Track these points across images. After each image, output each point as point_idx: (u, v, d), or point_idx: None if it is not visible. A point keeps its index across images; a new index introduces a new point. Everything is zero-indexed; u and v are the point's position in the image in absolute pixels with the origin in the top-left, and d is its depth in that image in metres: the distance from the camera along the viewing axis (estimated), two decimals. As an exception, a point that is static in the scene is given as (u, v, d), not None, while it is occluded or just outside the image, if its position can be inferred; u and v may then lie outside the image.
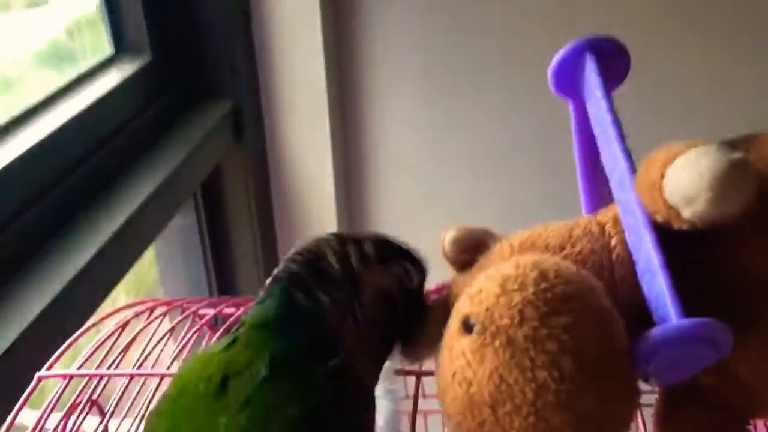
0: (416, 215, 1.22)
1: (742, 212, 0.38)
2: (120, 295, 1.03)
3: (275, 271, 0.46)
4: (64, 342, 0.67)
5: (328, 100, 1.12)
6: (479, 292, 0.39)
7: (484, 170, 1.19)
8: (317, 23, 1.09)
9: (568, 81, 0.51)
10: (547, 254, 0.44)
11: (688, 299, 0.38)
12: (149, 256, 1.14)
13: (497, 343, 0.37)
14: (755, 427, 0.49)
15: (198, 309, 0.78)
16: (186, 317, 0.76)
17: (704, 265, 0.41)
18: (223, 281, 1.20)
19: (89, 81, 0.96)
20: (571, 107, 0.53)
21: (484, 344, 0.38)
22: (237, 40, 1.11)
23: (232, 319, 0.74)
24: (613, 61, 0.50)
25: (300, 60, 1.12)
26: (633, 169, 0.43)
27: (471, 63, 1.15)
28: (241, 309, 0.76)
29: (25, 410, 0.61)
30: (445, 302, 0.47)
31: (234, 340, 0.43)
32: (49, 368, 0.65)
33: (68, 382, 0.64)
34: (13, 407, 0.58)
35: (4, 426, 0.58)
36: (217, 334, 0.73)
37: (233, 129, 1.13)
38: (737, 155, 0.37)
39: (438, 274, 0.52)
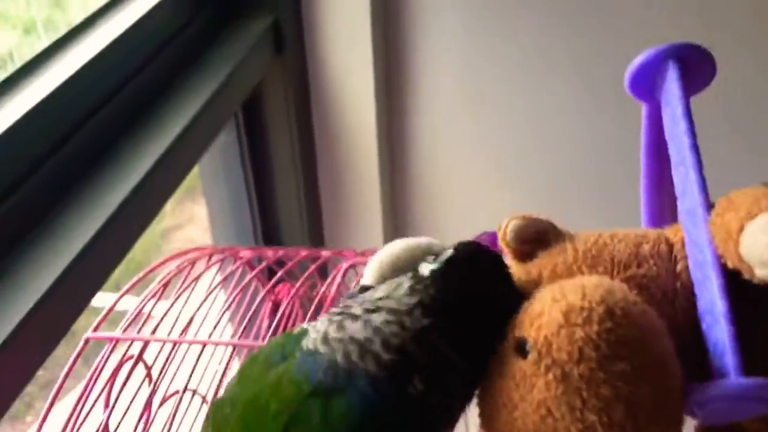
0: (459, 133, 1.20)
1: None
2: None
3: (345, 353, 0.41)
4: (111, 269, 0.70)
5: (371, 13, 1.09)
6: (540, 315, 0.39)
7: (526, 89, 1.16)
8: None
9: (646, 84, 0.49)
10: (612, 271, 0.43)
11: (744, 347, 0.38)
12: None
13: (551, 376, 0.37)
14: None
15: (248, 259, 0.80)
16: (237, 267, 0.78)
17: (765, 316, 0.41)
18: (264, 196, 1.20)
19: (127, 1, 0.93)
20: (644, 110, 0.51)
21: (537, 374, 0.38)
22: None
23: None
24: (697, 69, 0.48)
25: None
26: (708, 204, 0.42)
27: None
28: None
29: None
30: None
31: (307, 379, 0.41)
32: (95, 329, 0.67)
33: (114, 345, 0.66)
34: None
35: (54, 389, 0.60)
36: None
37: (274, 45, 1.10)
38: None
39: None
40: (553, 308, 0.38)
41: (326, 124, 1.19)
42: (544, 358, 0.37)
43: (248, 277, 0.78)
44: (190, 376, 0.69)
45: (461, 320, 0.40)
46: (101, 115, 0.81)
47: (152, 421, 0.71)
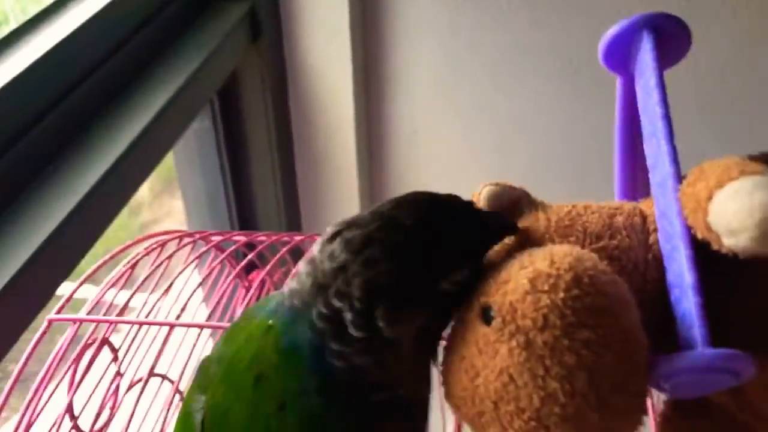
0: (437, 121, 1.19)
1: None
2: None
3: (307, 284, 0.41)
4: (81, 254, 0.68)
5: (349, 1, 1.08)
6: (506, 282, 0.38)
7: (506, 82, 1.16)
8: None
9: (620, 55, 0.49)
10: (584, 242, 0.42)
11: (712, 318, 0.37)
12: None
13: (514, 342, 0.36)
14: None
15: (219, 242, 0.79)
16: (207, 249, 0.78)
17: (736, 289, 0.40)
18: (240, 184, 1.19)
19: None
20: (618, 82, 0.50)
21: (500, 340, 0.37)
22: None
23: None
24: (672, 41, 0.48)
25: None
26: (678, 175, 0.41)
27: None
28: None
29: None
30: None
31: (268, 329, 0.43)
32: (59, 311, 0.66)
33: (78, 327, 0.65)
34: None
35: (16, 370, 0.59)
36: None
37: (250, 32, 1.10)
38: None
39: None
40: (520, 275, 0.37)
41: (303, 112, 1.18)
42: (509, 325, 0.36)
43: (219, 258, 0.77)
44: (157, 359, 0.68)
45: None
46: (73, 98, 0.79)
47: (119, 405, 0.70)
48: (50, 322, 0.65)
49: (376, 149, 1.22)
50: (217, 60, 1.00)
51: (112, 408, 0.69)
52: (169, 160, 1.19)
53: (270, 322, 0.43)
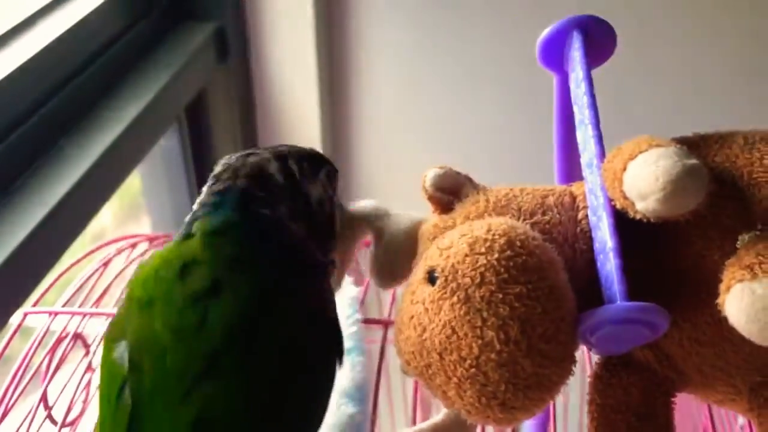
0: (402, 140, 1.24)
1: (691, 213, 0.41)
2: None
3: (216, 187, 0.48)
4: (47, 271, 0.70)
5: (315, 23, 1.12)
6: (449, 247, 0.42)
7: (466, 96, 1.20)
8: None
9: (555, 55, 0.53)
10: (519, 219, 0.47)
11: (634, 281, 0.42)
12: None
13: (455, 298, 0.41)
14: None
15: None
16: None
17: (653, 253, 0.45)
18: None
19: (70, 1, 0.94)
20: (555, 81, 0.55)
21: (443, 297, 0.41)
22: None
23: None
24: (601, 41, 0.53)
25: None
26: (602, 154, 0.46)
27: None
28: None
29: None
30: (415, 235, 0.51)
31: (187, 236, 0.45)
32: (34, 305, 0.68)
33: (53, 319, 0.67)
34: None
35: None
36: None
37: (217, 52, 1.12)
38: (693, 161, 0.40)
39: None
40: (460, 240, 0.42)
41: (270, 131, 1.21)
42: (450, 283, 0.41)
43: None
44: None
45: None
46: (39, 116, 0.81)
47: (91, 399, 0.73)
48: (26, 315, 0.68)
49: (342, 167, 1.25)
50: (184, 78, 1.02)
51: (84, 402, 0.72)
52: (133, 185, 1.21)
53: (192, 231, 0.46)
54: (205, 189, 0.49)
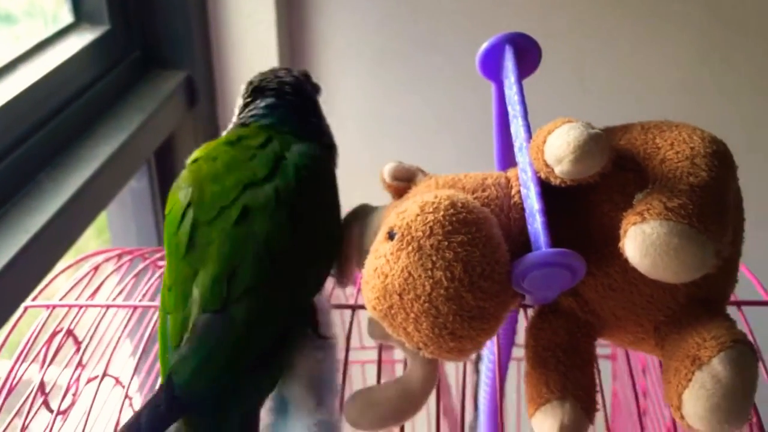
0: (371, 182, 1.32)
1: (599, 175, 0.51)
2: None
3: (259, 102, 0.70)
4: (25, 296, 0.77)
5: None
6: (404, 211, 0.52)
7: (426, 136, 1.31)
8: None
9: (492, 67, 0.63)
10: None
11: (557, 239, 0.51)
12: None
13: (410, 248, 0.50)
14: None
15: (156, 259, 0.89)
16: (147, 266, 0.87)
17: (571, 217, 0.55)
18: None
19: (49, 48, 1.00)
20: (493, 88, 0.65)
21: (401, 248, 0.50)
22: (192, 13, 1.17)
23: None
24: (528, 53, 0.63)
25: (252, 32, 1.21)
26: (530, 138, 0.56)
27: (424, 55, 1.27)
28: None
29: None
30: (363, 229, 0.61)
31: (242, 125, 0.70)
32: (33, 300, 0.75)
33: (51, 312, 0.74)
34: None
35: None
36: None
37: (187, 99, 1.19)
38: (596, 130, 0.50)
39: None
40: (413, 205, 0.52)
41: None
42: (406, 237, 0.50)
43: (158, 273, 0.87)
44: (117, 341, 0.78)
45: None
46: (11, 158, 0.86)
47: (80, 393, 0.80)
48: (26, 308, 0.75)
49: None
50: (154, 123, 1.09)
51: (74, 394, 0.79)
52: (101, 227, 1.27)
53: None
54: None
